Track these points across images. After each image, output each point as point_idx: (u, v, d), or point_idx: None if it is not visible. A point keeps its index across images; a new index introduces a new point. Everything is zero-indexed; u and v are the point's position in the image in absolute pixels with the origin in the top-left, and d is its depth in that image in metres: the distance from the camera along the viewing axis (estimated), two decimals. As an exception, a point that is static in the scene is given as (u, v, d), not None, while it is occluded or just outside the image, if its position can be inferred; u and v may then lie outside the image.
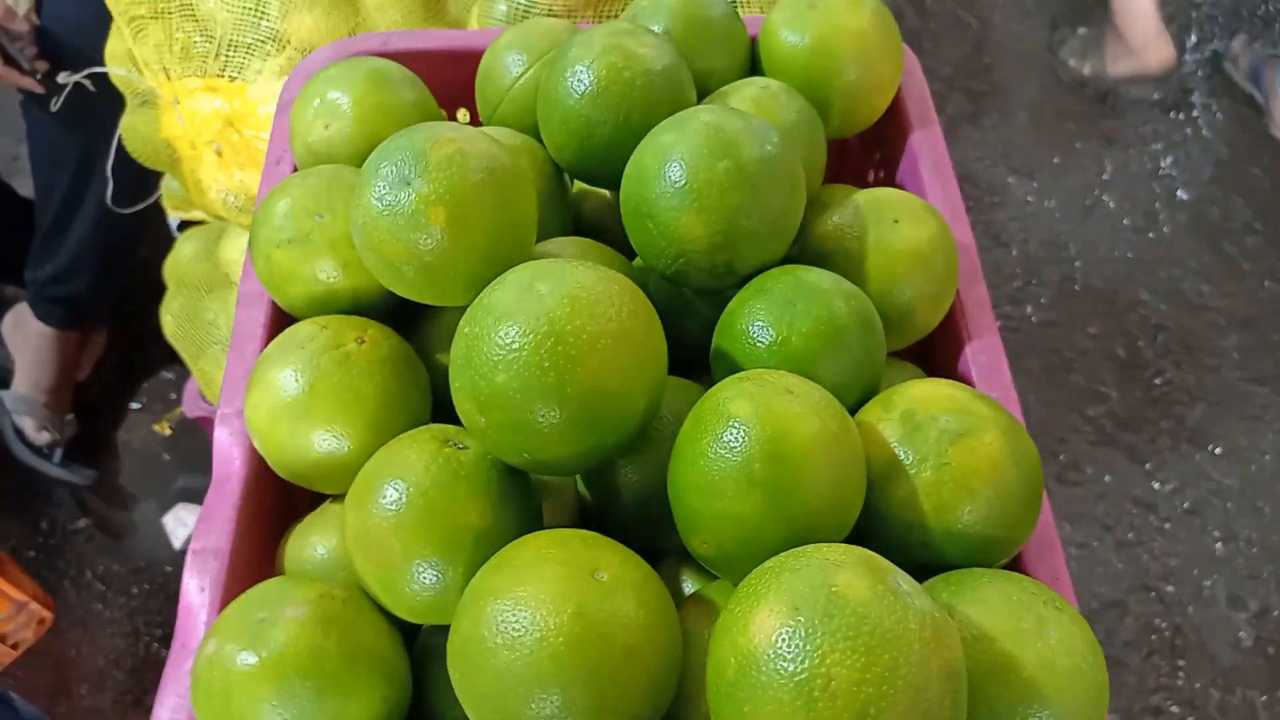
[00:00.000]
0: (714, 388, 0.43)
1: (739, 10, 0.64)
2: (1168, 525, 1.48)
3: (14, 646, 1.36)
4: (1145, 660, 1.37)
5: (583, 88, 0.53)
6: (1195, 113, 1.94)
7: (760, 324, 0.47)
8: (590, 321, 0.41)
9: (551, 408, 0.40)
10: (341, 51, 0.65)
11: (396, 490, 0.43)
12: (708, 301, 0.54)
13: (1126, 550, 1.46)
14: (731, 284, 0.50)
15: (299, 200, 0.51)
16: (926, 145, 0.61)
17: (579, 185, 0.63)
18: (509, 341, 0.40)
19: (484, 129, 0.57)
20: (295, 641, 0.41)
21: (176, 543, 1.47)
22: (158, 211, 1.26)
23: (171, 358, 1.60)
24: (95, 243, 1.43)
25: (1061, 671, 0.38)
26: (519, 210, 0.47)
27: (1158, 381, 1.61)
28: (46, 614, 1.38)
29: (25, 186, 1.64)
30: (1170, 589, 1.43)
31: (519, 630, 0.37)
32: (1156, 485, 1.51)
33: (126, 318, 1.64)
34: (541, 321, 0.40)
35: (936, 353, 0.57)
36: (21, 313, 1.57)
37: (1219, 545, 1.46)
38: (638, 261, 0.57)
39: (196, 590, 0.47)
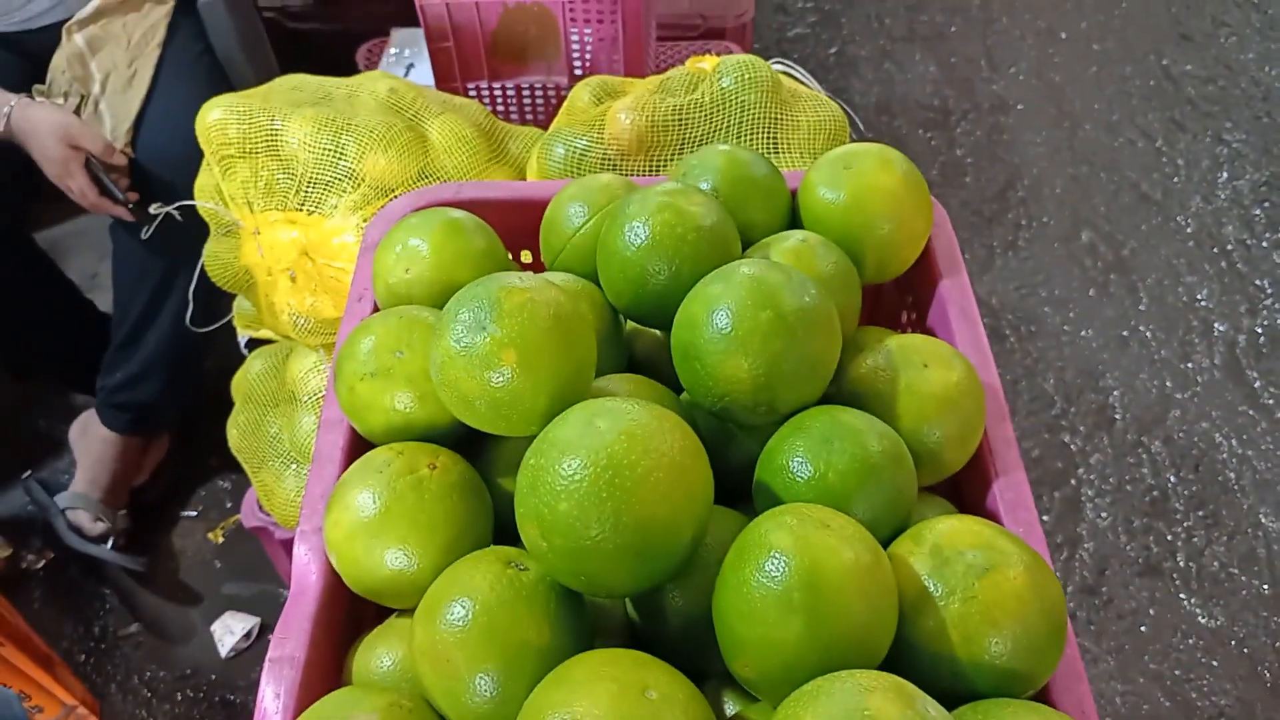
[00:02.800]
0: (756, 520, 0.47)
1: (779, 168, 0.70)
2: (1215, 663, 1.46)
3: (60, 749, 1.38)
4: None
5: (639, 240, 0.58)
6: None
7: (800, 460, 0.51)
8: (644, 457, 0.45)
9: (608, 535, 0.44)
10: (419, 200, 0.72)
11: (463, 608, 0.47)
12: (750, 435, 0.58)
13: (1173, 687, 1.43)
14: (772, 421, 0.55)
15: (381, 338, 0.57)
16: (955, 292, 0.65)
17: (631, 324, 0.69)
18: (571, 473, 0.45)
19: (547, 275, 0.63)
20: (368, 755, 0.44)
21: (223, 651, 1.50)
22: (226, 329, 1.33)
23: (229, 468, 1.67)
24: (166, 355, 1.51)
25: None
26: (581, 351, 0.52)
27: (1201, 513, 1.61)
28: (93, 718, 1.41)
29: (102, 302, 1.74)
30: (1219, 728, 1.40)
31: (575, 744, 0.40)
32: (1204, 620, 1.49)
33: (189, 429, 1.71)
34: (601, 456, 0.45)
35: (966, 488, 0.60)
36: (89, 419, 1.65)
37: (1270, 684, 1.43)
38: (684, 396, 0.61)
39: (272, 697, 0.51)
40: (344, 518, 0.53)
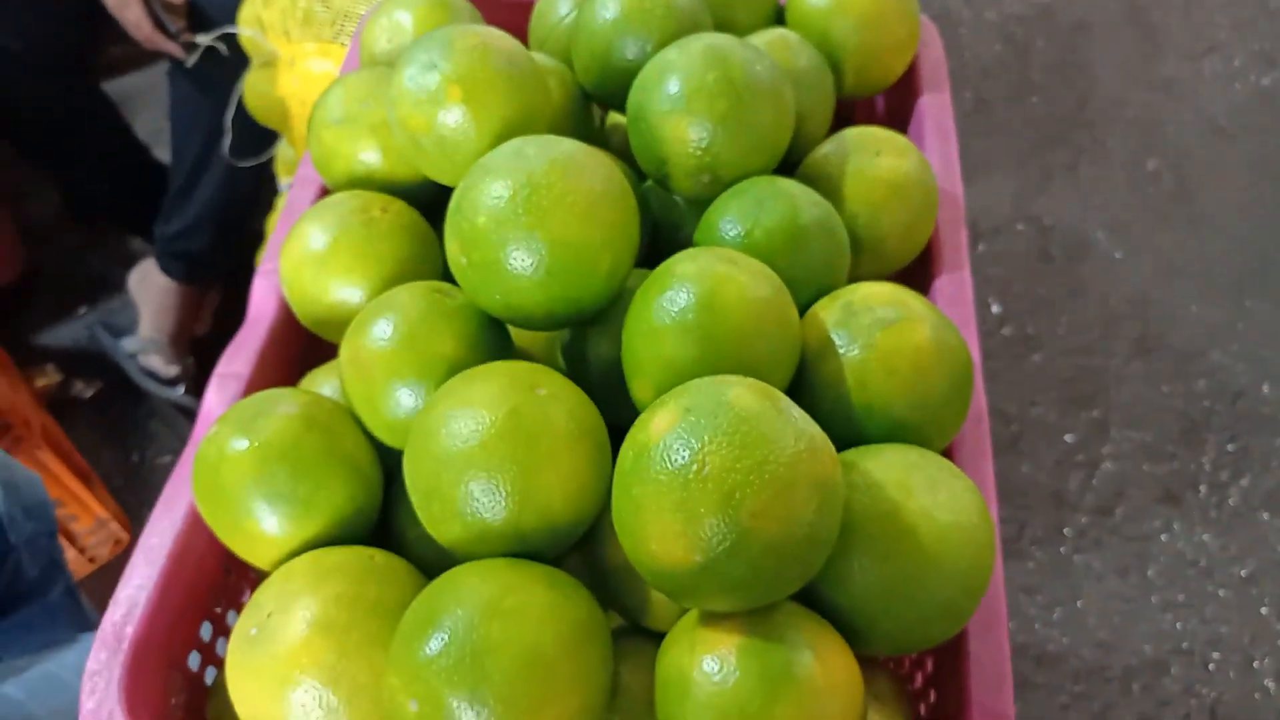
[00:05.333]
0: (669, 259, 0.48)
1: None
2: (1222, 592, 1.43)
3: (91, 560, 1.47)
4: (1181, 721, 1.32)
5: (609, 15, 0.59)
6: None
7: (730, 220, 0.52)
8: (563, 179, 0.46)
9: (522, 251, 0.46)
10: (419, -10, 0.73)
11: (387, 322, 0.49)
12: (697, 210, 0.59)
13: (1176, 611, 1.42)
14: (716, 193, 0.55)
15: (351, 89, 0.59)
16: (934, 108, 0.65)
17: (612, 118, 0.69)
18: (493, 191, 0.46)
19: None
20: (280, 432, 0.47)
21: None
22: (272, 185, 1.37)
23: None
24: (219, 204, 1.56)
25: (943, 524, 0.41)
26: (531, 101, 0.53)
27: (1230, 448, 1.57)
28: (124, 535, 1.49)
29: (164, 155, 1.80)
30: (1216, 655, 1.38)
31: (461, 424, 0.42)
32: (1216, 550, 1.46)
33: (240, 279, 1.77)
34: (522, 176, 0.46)
35: (910, 284, 0.60)
36: (148, 267, 1.72)
37: (1276, 620, 1.40)
38: (647, 184, 0.62)
39: (215, 404, 0.54)
40: (295, 248, 0.55)
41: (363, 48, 0.66)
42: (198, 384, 1.70)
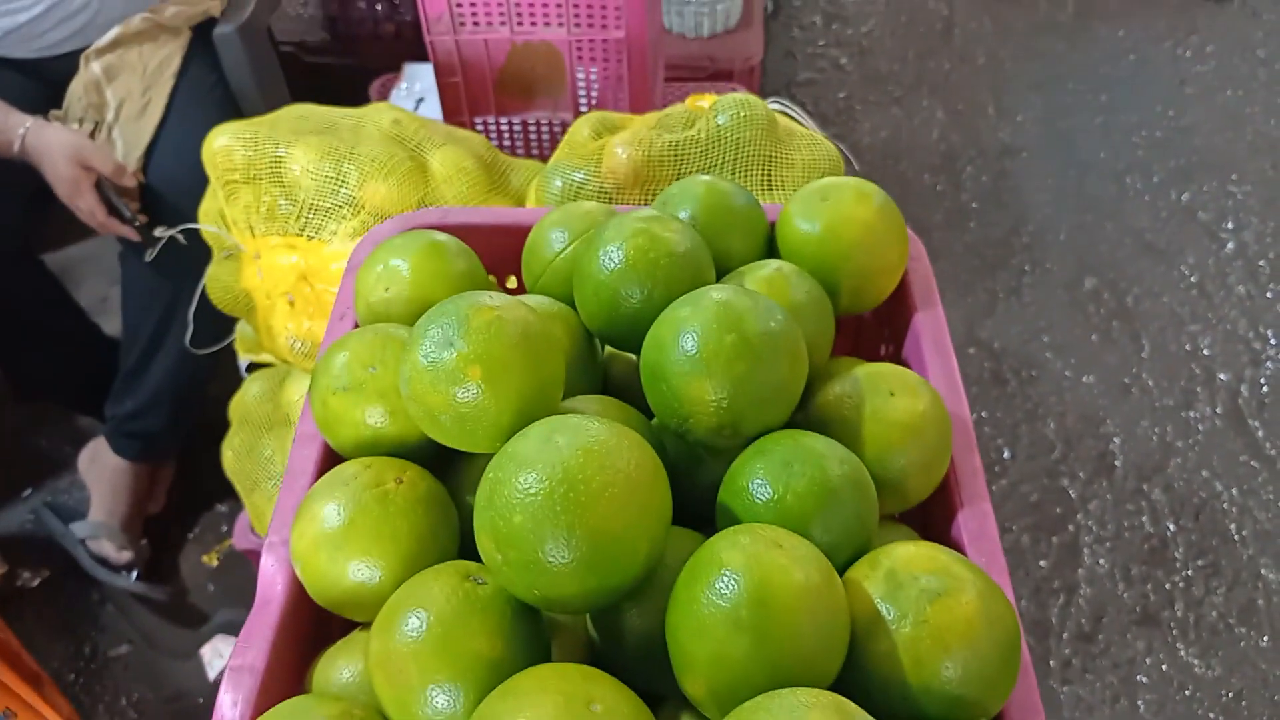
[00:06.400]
0: (710, 539, 0.47)
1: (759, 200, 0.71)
2: (1212, 715, 1.43)
3: (46, 770, 1.38)
4: None
5: (613, 264, 0.59)
6: (1232, 297, 1.98)
7: (759, 482, 0.51)
8: (600, 472, 0.45)
9: (561, 548, 0.45)
10: (405, 223, 0.73)
11: (418, 619, 0.47)
12: (716, 459, 0.58)
13: (1169, 738, 1.41)
14: (737, 444, 0.55)
15: (355, 353, 0.58)
16: (929, 325, 0.66)
17: (609, 349, 0.69)
18: (527, 487, 0.45)
19: (523, 297, 0.64)
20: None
21: (211, 674, 1.50)
22: (228, 354, 1.35)
23: (225, 492, 1.68)
24: (172, 383, 1.53)
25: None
26: (548, 369, 0.53)
27: (1199, 563, 1.59)
28: (79, 739, 1.41)
29: (110, 326, 1.77)
30: (1216, 783, 1.37)
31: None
32: (1201, 671, 1.47)
33: (193, 452, 1.72)
34: (557, 470, 0.45)
35: (931, 518, 0.61)
36: (98, 447, 1.66)
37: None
38: (656, 420, 0.62)
39: (230, 704, 0.51)
40: (309, 529, 0.53)
41: (358, 294, 0.66)
42: (151, 567, 1.63)
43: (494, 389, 0.51)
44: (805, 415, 0.59)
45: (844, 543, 0.51)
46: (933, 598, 0.46)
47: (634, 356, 0.68)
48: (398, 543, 0.53)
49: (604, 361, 0.68)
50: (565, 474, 0.45)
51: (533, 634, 0.49)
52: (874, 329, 0.76)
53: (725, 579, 0.44)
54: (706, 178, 0.70)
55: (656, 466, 0.48)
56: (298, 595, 0.55)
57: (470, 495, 0.58)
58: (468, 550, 0.56)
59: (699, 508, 0.58)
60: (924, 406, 0.57)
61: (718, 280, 0.64)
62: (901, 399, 0.57)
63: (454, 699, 0.46)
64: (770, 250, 0.69)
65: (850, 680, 0.46)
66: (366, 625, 0.56)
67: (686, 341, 0.53)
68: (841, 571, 0.50)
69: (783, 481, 0.51)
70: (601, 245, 0.60)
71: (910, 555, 0.48)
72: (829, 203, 0.66)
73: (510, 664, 0.47)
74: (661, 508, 0.48)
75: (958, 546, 0.56)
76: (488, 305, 0.53)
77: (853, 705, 0.39)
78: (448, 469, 0.60)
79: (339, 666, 0.54)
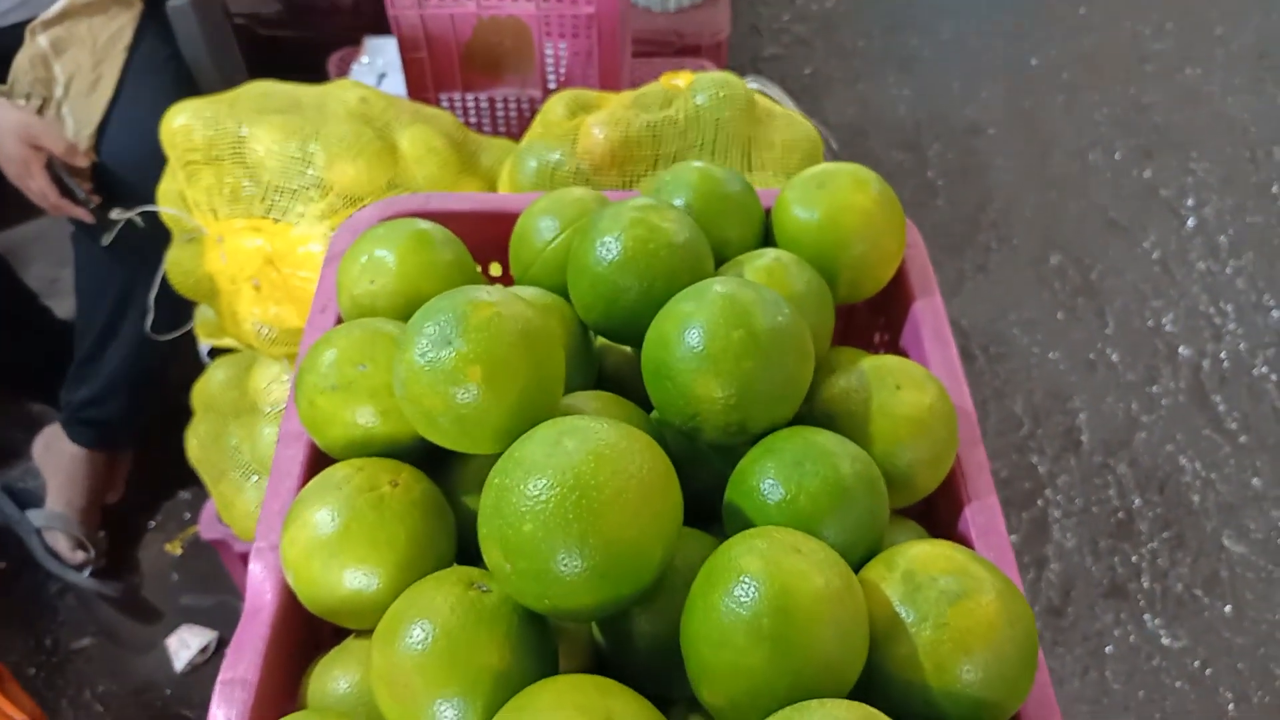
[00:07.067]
0: (726, 544, 0.46)
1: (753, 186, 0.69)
2: (1179, 684, 1.46)
3: (9, 770, 1.34)
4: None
5: (611, 256, 0.57)
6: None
7: (771, 482, 0.50)
8: (613, 478, 0.44)
9: (574, 557, 0.43)
10: (386, 210, 0.70)
11: (422, 630, 0.45)
12: (721, 455, 0.57)
13: (1138, 709, 1.44)
14: (743, 441, 0.54)
15: (344, 351, 0.55)
16: (928, 314, 0.65)
17: (600, 340, 0.67)
18: (537, 494, 0.44)
19: (516, 289, 0.62)
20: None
21: (178, 665, 1.46)
22: (187, 338, 1.31)
23: (187, 480, 1.63)
24: (130, 369, 1.48)
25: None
26: (548, 368, 0.51)
27: (1165, 534, 1.62)
28: (43, 736, 1.37)
29: (61, 308, 1.71)
30: (1182, 752, 1.40)
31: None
32: (1167, 642, 1.50)
33: (152, 439, 1.67)
34: (568, 476, 0.44)
35: (937, 512, 0.60)
36: (53, 434, 1.61)
37: (1234, 707, 1.44)
38: (655, 415, 0.60)
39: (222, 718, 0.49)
40: (301, 535, 0.51)
41: (340, 287, 0.63)
42: (112, 557, 1.59)
43: (494, 389, 0.49)
44: (810, 409, 0.58)
45: (857, 542, 0.50)
46: (953, 600, 0.45)
47: (628, 348, 0.67)
48: (395, 548, 0.51)
49: (597, 353, 0.66)
50: (576, 480, 0.43)
51: (541, 643, 0.47)
52: (867, 317, 0.75)
53: (744, 586, 0.43)
54: (699, 163, 0.68)
55: (668, 468, 0.47)
56: (288, 603, 0.53)
57: (466, 495, 0.56)
58: (465, 552, 0.54)
59: (702, 503, 0.56)
60: (930, 400, 0.56)
61: (716, 269, 0.62)
62: (908, 393, 0.56)
63: (462, 713, 0.44)
64: (766, 238, 0.67)
65: (869, 685, 0.45)
66: (361, 633, 0.54)
67: (692, 337, 0.51)
68: (855, 570, 0.49)
69: (795, 481, 0.49)
70: (598, 236, 0.58)
71: (927, 555, 0.47)
72: (826, 190, 0.64)
73: (519, 675, 0.45)
74: (674, 511, 0.46)
75: (965, 541, 0.56)
76: (485, 301, 0.50)
77: (883, 716, 0.38)
78: (442, 468, 0.58)
79: (335, 677, 0.52)
